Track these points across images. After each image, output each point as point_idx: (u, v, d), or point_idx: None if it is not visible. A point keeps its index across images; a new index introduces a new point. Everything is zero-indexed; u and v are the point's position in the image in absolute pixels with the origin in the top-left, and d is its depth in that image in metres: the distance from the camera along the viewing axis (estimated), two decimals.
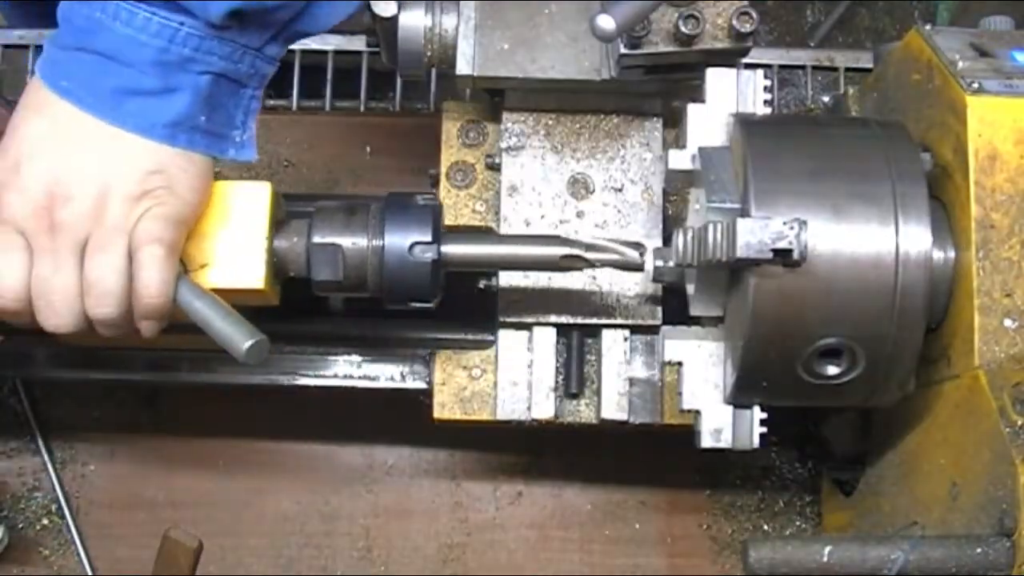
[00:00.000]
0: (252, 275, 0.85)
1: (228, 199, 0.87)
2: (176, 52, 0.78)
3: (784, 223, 0.76)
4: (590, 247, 0.87)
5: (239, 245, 0.86)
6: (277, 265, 0.88)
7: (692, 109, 0.90)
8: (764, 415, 0.88)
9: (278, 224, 0.88)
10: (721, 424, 0.89)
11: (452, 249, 0.88)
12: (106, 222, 0.79)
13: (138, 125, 0.79)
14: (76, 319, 0.80)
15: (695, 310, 0.90)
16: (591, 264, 0.87)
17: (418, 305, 0.89)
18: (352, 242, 0.87)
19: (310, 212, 0.90)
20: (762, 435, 0.88)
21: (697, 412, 0.89)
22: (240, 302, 0.83)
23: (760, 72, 0.92)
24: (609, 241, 0.88)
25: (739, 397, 0.88)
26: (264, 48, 0.82)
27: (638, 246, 0.89)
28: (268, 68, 0.84)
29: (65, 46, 0.80)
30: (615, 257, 0.87)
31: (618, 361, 0.97)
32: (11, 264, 0.79)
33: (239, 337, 0.80)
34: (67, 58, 0.80)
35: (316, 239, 0.87)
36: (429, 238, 0.86)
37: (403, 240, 0.86)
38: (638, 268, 0.88)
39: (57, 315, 0.80)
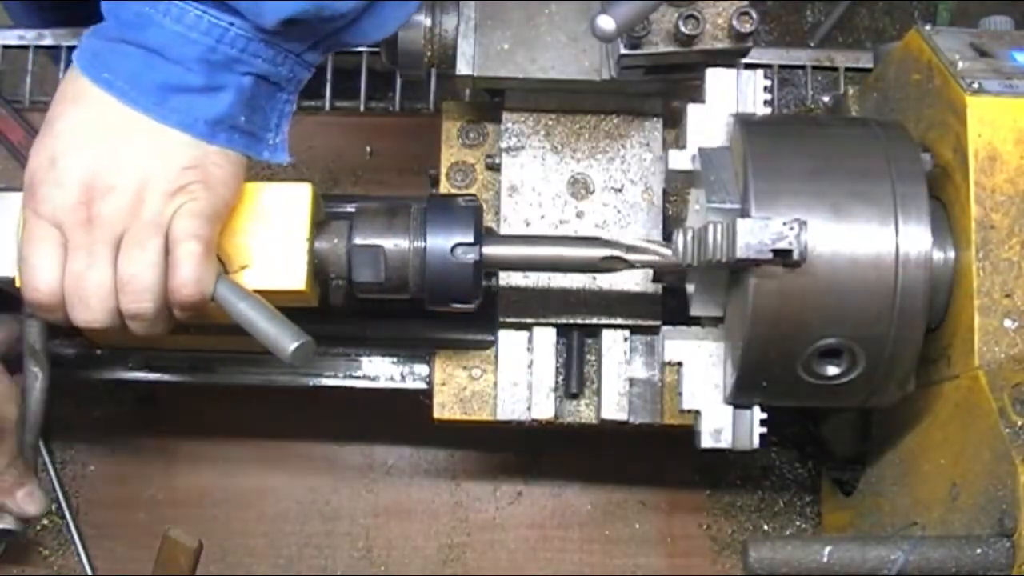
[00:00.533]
0: (294, 276, 0.85)
1: (268, 200, 0.86)
2: (223, 52, 0.79)
3: (784, 223, 0.76)
4: (630, 248, 0.87)
5: (280, 246, 0.85)
6: (317, 266, 0.88)
7: (692, 109, 0.90)
8: (764, 415, 0.88)
9: (318, 225, 0.88)
10: (721, 424, 0.89)
11: (493, 250, 0.88)
12: (142, 217, 0.79)
13: (181, 121, 0.79)
14: (109, 315, 0.80)
15: (695, 310, 0.90)
16: (631, 265, 0.87)
17: (459, 307, 0.89)
18: (394, 243, 0.87)
19: (345, 212, 0.90)
20: (762, 435, 0.88)
21: (697, 412, 0.89)
22: (279, 303, 0.83)
23: (760, 72, 0.92)
24: (648, 242, 0.88)
25: (739, 397, 0.88)
26: (304, 54, 0.83)
27: (677, 247, 0.88)
28: (305, 73, 0.84)
29: (109, 38, 0.80)
30: (654, 258, 0.87)
31: (618, 361, 0.97)
32: (46, 258, 0.79)
33: (285, 339, 0.80)
34: (111, 50, 0.80)
35: (358, 240, 0.87)
36: (471, 239, 0.86)
37: (445, 241, 0.86)
38: (677, 270, 0.88)
39: (90, 311, 0.80)
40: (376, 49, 0.98)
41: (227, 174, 0.82)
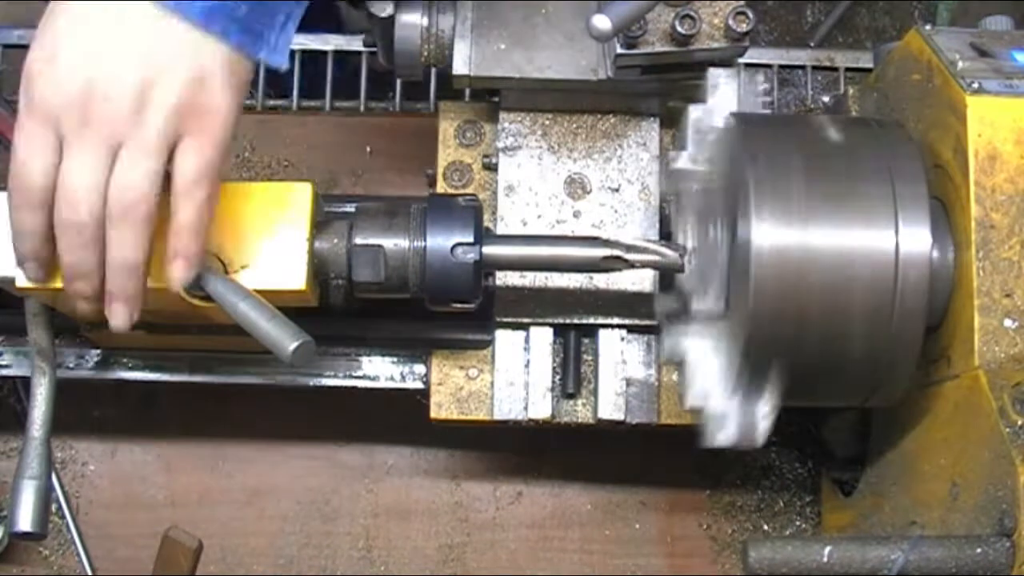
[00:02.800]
0: (294, 276, 0.85)
1: (268, 200, 0.86)
2: None
3: None
4: (630, 248, 0.87)
5: (280, 246, 0.85)
6: (317, 266, 0.88)
7: (693, 110, 0.90)
8: (767, 413, 0.88)
9: (318, 225, 0.88)
10: (724, 422, 0.88)
11: (493, 250, 0.88)
12: (144, 129, 0.76)
13: (177, 3, 0.75)
14: (94, 219, 0.77)
15: (695, 308, 0.89)
16: (631, 265, 0.87)
17: (459, 306, 0.89)
18: (394, 243, 0.87)
19: (346, 212, 0.90)
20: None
21: (700, 410, 0.89)
22: (279, 303, 0.83)
23: (760, 72, 0.92)
24: (648, 242, 0.88)
25: (741, 395, 0.87)
26: None
27: (677, 247, 0.88)
28: None
29: None
30: (655, 258, 0.87)
31: (615, 361, 0.97)
32: (38, 156, 0.76)
33: (285, 339, 0.79)
34: None
35: (358, 240, 0.87)
36: (471, 239, 0.86)
37: (445, 241, 0.86)
38: (678, 269, 0.88)
39: (75, 211, 0.76)
40: (374, 50, 0.98)
41: (225, 76, 0.77)
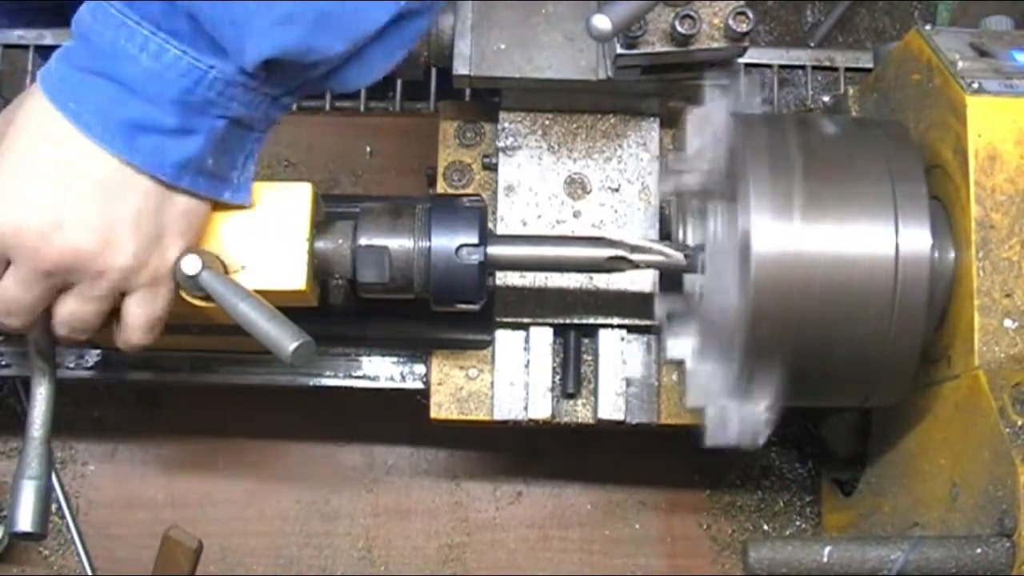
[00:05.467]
0: (294, 276, 0.85)
1: (268, 200, 0.86)
2: (200, 95, 0.76)
3: None
4: (635, 248, 0.87)
5: (280, 246, 0.85)
6: (320, 266, 0.88)
7: (693, 110, 0.90)
8: (768, 413, 0.88)
9: (319, 225, 0.88)
10: (724, 422, 0.88)
11: (498, 250, 0.88)
12: (98, 284, 0.79)
13: (148, 162, 0.77)
14: (27, 327, 0.83)
15: (696, 307, 0.89)
16: (635, 266, 0.87)
17: (463, 306, 0.89)
18: (399, 244, 0.87)
19: (346, 212, 0.89)
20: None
21: (701, 410, 0.89)
22: (279, 303, 0.83)
23: (760, 73, 0.92)
24: (653, 243, 0.88)
25: (741, 395, 0.87)
26: (282, 97, 0.80)
27: (683, 247, 0.88)
28: (278, 114, 0.82)
29: (80, 67, 0.77)
30: (659, 259, 0.87)
31: (615, 361, 0.97)
32: None
33: (285, 339, 0.79)
34: (80, 81, 0.77)
35: (363, 241, 0.87)
36: (476, 240, 0.86)
37: (450, 242, 0.86)
38: (683, 270, 0.88)
39: (10, 317, 0.81)
40: None
41: (182, 228, 0.80)
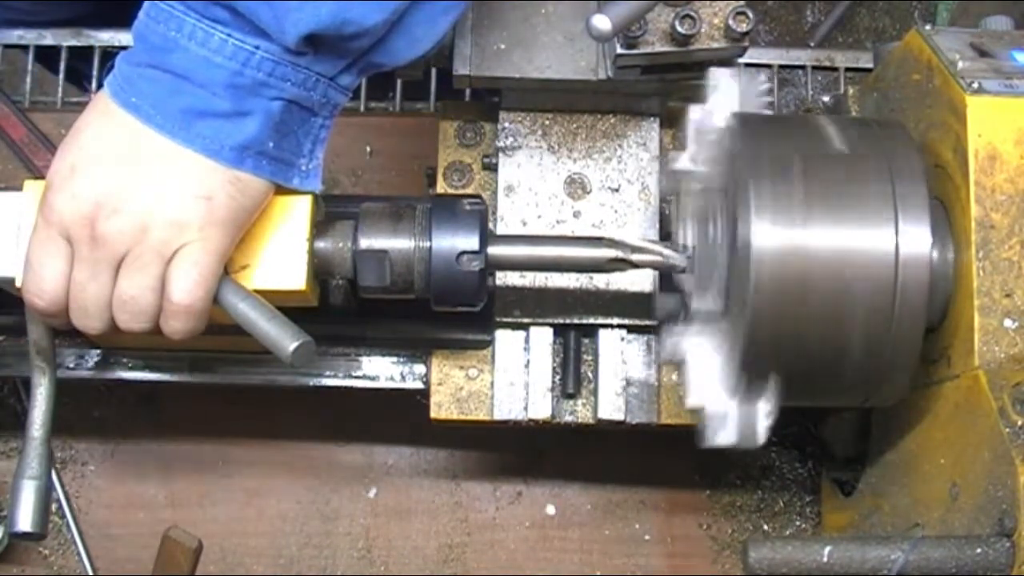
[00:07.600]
0: (294, 276, 0.85)
1: (269, 200, 0.86)
2: (250, 76, 0.78)
3: None
4: (635, 249, 0.87)
5: (280, 246, 0.85)
6: (320, 267, 0.88)
7: (693, 110, 0.90)
8: (768, 413, 0.88)
9: (319, 225, 0.88)
10: (725, 422, 0.88)
11: (499, 251, 0.88)
12: (146, 243, 0.79)
13: (207, 147, 0.79)
14: (106, 324, 0.83)
15: (695, 307, 0.89)
16: (635, 266, 0.87)
17: (464, 308, 0.89)
18: (399, 247, 0.87)
19: (347, 213, 0.90)
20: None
21: (700, 410, 0.89)
22: (279, 303, 0.83)
23: (761, 72, 0.92)
24: (653, 243, 0.88)
25: (741, 395, 0.87)
26: (337, 77, 0.81)
27: (682, 248, 0.88)
28: (341, 98, 0.83)
29: (138, 63, 0.80)
30: (659, 259, 0.87)
31: (615, 361, 0.97)
32: (49, 266, 0.81)
33: (285, 339, 0.80)
34: (139, 75, 0.80)
35: (363, 244, 0.87)
36: (476, 247, 0.86)
37: (451, 247, 0.86)
38: (683, 271, 0.88)
39: (89, 319, 0.82)
40: None
41: (239, 206, 0.81)
